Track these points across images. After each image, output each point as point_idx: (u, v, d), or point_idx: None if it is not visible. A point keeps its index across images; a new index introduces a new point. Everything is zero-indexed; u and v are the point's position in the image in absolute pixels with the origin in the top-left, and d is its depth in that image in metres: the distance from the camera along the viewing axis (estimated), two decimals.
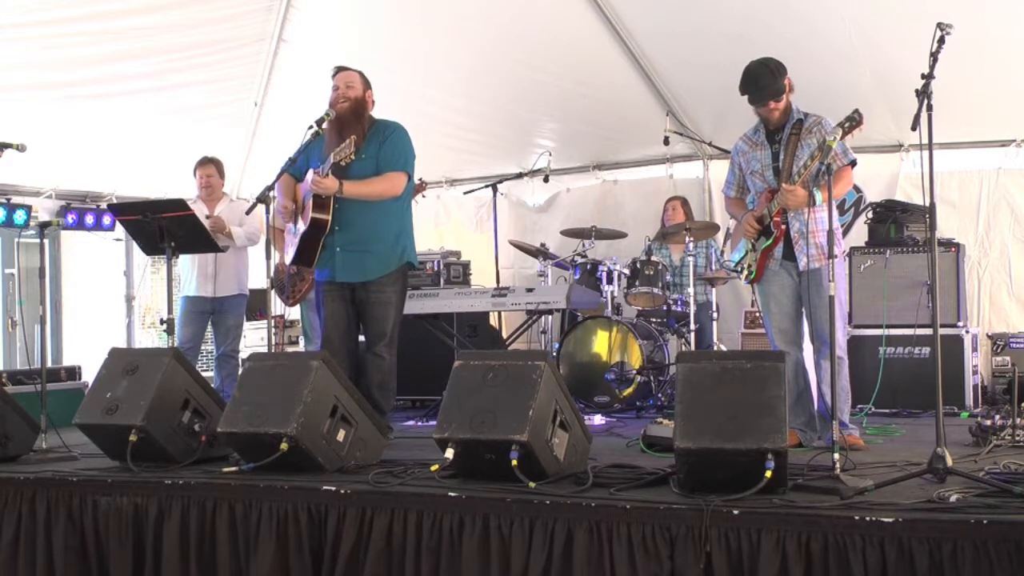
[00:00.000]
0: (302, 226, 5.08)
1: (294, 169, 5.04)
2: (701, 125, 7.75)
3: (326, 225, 4.96)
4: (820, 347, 4.59)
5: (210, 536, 3.74)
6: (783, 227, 4.58)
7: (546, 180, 8.21)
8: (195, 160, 7.03)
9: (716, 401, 3.33)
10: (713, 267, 7.44)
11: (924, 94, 3.51)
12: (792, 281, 4.62)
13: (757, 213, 4.64)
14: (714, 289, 7.08)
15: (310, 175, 4.96)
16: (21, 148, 4.76)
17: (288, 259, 5.47)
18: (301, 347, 8.46)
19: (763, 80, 4.55)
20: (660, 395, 6.44)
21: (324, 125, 4.91)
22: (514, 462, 3.40)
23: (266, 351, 5.04)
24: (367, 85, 5.14)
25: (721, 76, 7.09)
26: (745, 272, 4.74)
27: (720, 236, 7.65)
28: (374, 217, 5.02)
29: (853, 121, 3.95)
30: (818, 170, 4.46)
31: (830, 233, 3.72)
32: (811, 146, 4.50)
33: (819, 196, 4.43)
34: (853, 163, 4.59)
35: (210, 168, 6.92)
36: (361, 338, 5.25)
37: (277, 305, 7.65)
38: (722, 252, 7.66)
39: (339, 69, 5.13)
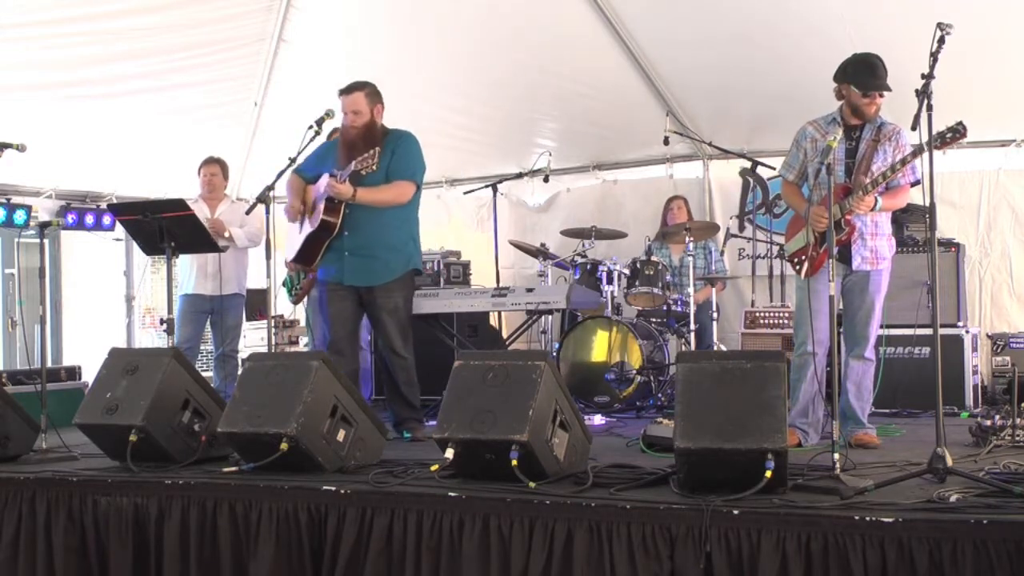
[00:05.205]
0: (308, 228, 5.15)
1: (305, 172, 5.23)
2: (701, 125, 7.74)
3: (334, 228, 5.10)
4: (851, 347, 4.65)
5: (210, 536, 3.74)
6: (854, 224, 4.58)
7: (546, 180, 8.21)
8: (195, 160, 7.04)
9: (716, 401, 3.33)
10: (713, 267, 7.45)
11: (924, 94, 3.52)
12: (838, 282, 4.60)
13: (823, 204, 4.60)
14: (713, 290, 7.09)
15: (325, 179, 5.03)
16: (21, 148, 4.76)
17: (289, 256, 5.50)
18: (301, 346, 8.46)
19: (880, 71, 4.48)
20: (660, 395, 6.44)
21: (323, 124, 5.01)
22: (514, 462, 3.41)
23: (266, 351, 5.04)
24: (374, 100, 5.17)
25: (721, 76, 7.14)
26: (805, 267, 4.65)
27: (720, 236, 7.66)
28: (382, 223, 5.14)
29: (956, 133, 3.85)
30: (818, 170, 4.48)
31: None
32: (886, 152, 4.52)
33: (880, 201, 4.50)
34: (916, 183, 4.59)
35: (214, 167, 6.93)
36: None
37: (277, 305, 7.65)
38: (722, 252, 7.67)
39: (343, 92, 5.16)
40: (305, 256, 5.26)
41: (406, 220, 5.27)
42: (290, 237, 5.42)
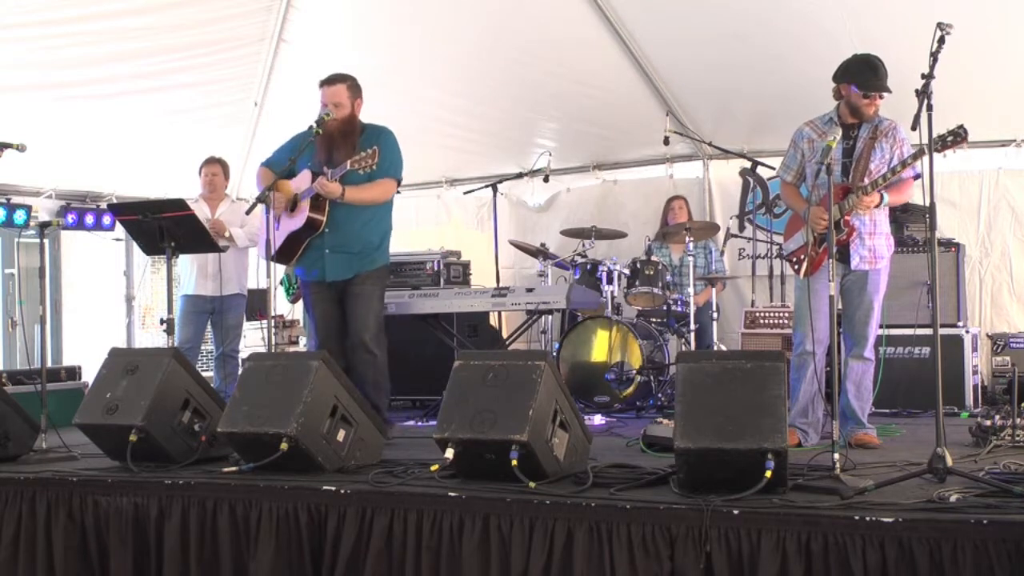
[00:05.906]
0: (289, 224, 5.16)
1: (277, 166, 5.18)
2: (701, 125, 7.74)
3: (320, 225, 5.09)
4: (851, 347, 4.65)
5: (211, 536, 3.74)
6: (854, 225, 4.57)
7: (546, 180, 8.21)
8: (195, 160, 7.04)
9: (716, 401, 3.33)
10: (713, 267, 7.45)
11: (924, 94, 3.52)
12: (837, 282, 4.58)
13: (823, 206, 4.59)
14: (713, 290, 7.09)
15: (307, 175, 5.02)
16: (21, 148, 4.77)
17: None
18: (301, 346, 8.46)
19: (882, 71, 4.48)
20: (660, 395, 6.44)
21: (324, 125, 4.98)
22: (514, 462, 3.41)
23: (266, 351, 5.04)
24: (355, 94, 5.16)
25: (721, 76, 7.14)
26: (804, 267, 4.64)
27: (720, 236, 7.65)
28: (363, 221, 5.16)
29: (958, 136, 3.85)
30: (817, 170, 4.47)
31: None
32: (883, 149, 4.53)
33: (886, 196, 4.50)
34: (917, 176, 4.58)
35: (216, 167, 6.94)
36: None
37: (277, 305, 7.64)
38: (722, 252, 7.67)
39: (324, 83, 5.15)
40: (285, 254, 5.25)
41: (384, 217, 5.30)
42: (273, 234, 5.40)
